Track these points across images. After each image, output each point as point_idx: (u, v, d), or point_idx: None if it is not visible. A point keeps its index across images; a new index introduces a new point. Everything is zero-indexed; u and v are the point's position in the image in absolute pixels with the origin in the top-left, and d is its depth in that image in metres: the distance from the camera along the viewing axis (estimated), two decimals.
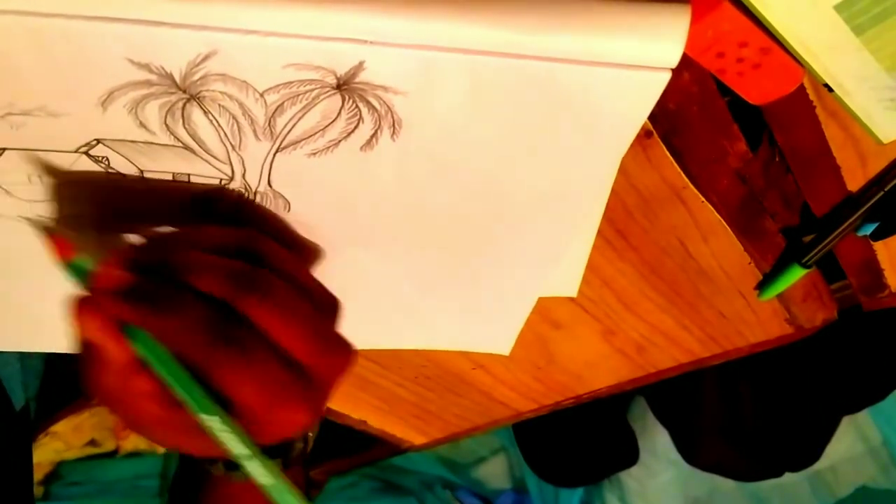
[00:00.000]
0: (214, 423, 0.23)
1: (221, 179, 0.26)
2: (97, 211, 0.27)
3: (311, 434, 0.30)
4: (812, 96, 0.30)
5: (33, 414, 0.43)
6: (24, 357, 0.42)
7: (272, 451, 0.28)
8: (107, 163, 0.25)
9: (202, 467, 0.30)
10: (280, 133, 0.24)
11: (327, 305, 0.26)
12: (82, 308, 0.23)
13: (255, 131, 0.24)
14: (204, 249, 0.24)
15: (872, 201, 0.35)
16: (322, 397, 0.24)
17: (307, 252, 0.30)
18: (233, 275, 0.23)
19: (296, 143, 0.25)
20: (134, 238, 0.28)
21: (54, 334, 0.33)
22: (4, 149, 0.24)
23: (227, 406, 0.23)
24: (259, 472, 0.24)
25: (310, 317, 0.24)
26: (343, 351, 0.25)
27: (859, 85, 0.27)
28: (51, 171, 0.25)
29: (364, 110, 0.23)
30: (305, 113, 0.23)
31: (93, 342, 0.23)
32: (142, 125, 0.23)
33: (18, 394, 0.40)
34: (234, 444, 0.23)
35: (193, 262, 0.23)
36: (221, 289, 0.23)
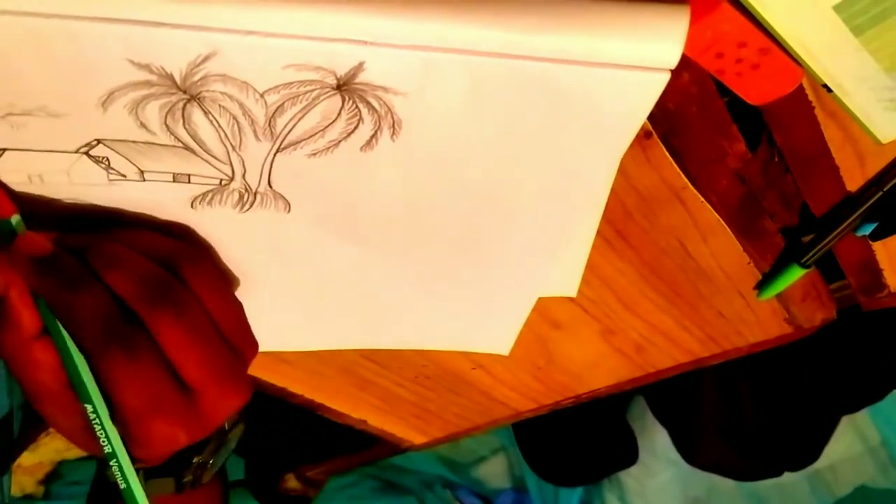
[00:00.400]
0: (89, 413, 0.23)
1: (222, 180, 0.26)
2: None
3: (210, 462, 0.30)
4: (811, 97, 0.30)
5: (20, 423, 0.43)
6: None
7: (163, 470, 0.28)
8: (107, 163, 0.25)
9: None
10: (280, 133, 0.24)
11: (240, 344, 0.26)
12: (1, 262, 0.24)
13: (255, 132, 0.24)
14: (134, 248, 0.25)
15: (871, 201, 0.35)
16: (203, 425, 0.25)
17: (233, 286, 0.30)
18: (146, 280, 0.24)
19: (296, 143, 0.25)
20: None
21: None
22: (5, 149, 0.24)
23: (111, 405, 0.23)
24: (118, 473, 0.24)
25: (213, 346, 0.24)
26: (238, 391, 0.25)
27: (858, 85, 0.27)
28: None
29: (364, 111, 0.24)
30: (305, 113, 0.23)
31: (2, 297, 0.24)
32: (142, 125, 0.23)
33: (3, 401, 0.40)
34: (104, 439, 0.24)
35: (114, 255, 0.24)
36: (130, 289, 0.23)
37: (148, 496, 0.25)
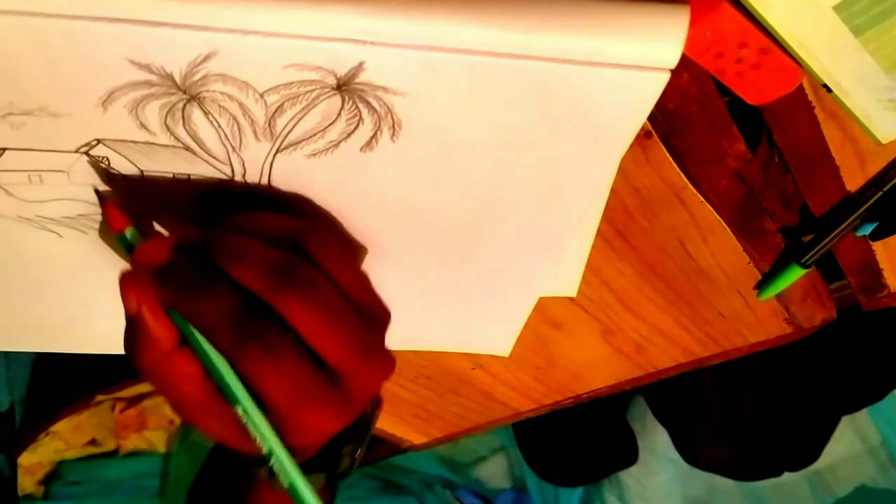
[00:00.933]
0: (241, 415, 0.23)
1: (222, 180, 0.26)
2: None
3: (359, 452, 0.29)
4: (811, 97, 0.30)
5: (20, 419, 0.43)
6: (10, 362, 0.42)
7: (317, 465, 0.27)
8: (107, 163, 0.25)
9: (245, 467, 0.29)
10: (280, 134, 0.24)
11: (375, 315, 0.25)
12: (125, 282, 0.23)
13: (255, 132, 0.24)
14: (252, 236, 0.24)
15: (871, 201, 0.35)
16: (354, 406, 0.24)
17: (359, 254, 0.29)
18: (271, 266, 0.23)
19: (296, 143, 0.25)
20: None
21: (52, 335, 0.33)
22: (5, 149, 0.24)
23: (260, 403, 0.23)
24: (280, 469, 0.23)
25: (349, 322, 0.23)
26: (382, 363, 0.24)
27: (858, 85, 0.27)
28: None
29: (364, 111, 0.24)
30: (305, 114, 0.23)
31: (136, 317, 0.23)
32: (142, 125, 0.23)
33: (4, 397, 0.40)
34: (260, 439, 0.23)
35: (234, 248, 0.23)
36: (257, 280, 0.22)
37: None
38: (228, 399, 0.23)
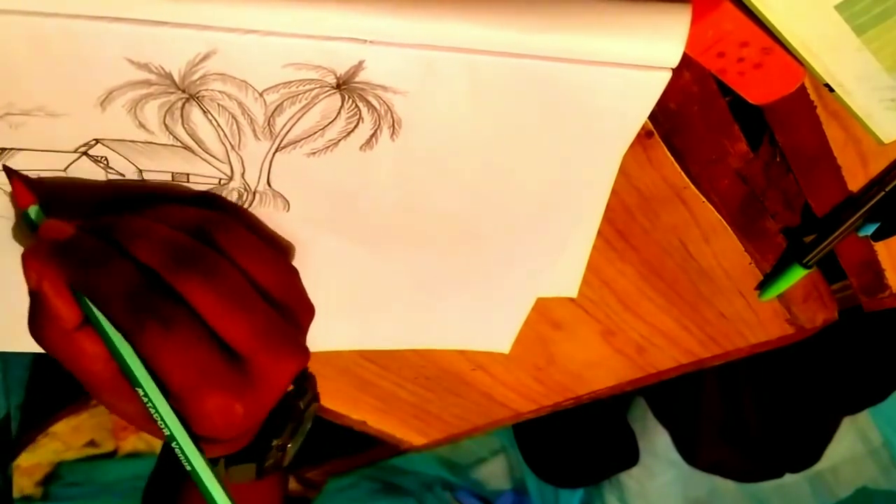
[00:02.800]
0: (142, 397, 0.22)
1: (221, 179, 0.26)
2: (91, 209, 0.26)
3: (289, 445, 0.29)
4: (813, 96, 0.30)
5: (18, 423, 0.42)
6: (7, 368, 0.41)
7: (245, 456, 0.27)
8: (106, 163, 0.25)
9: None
10: (279, 132, 0.24)
11: (291, 306, 0.25)
12: (26, 256, 0.23)
13: (254, 131, 0.24)
14: (161, 221, 0.23)
15: (873, 201, 0.35)
16: (260, 393, 0.23)
17: (286, 251, 0.29)
18: (173, 246, 0.22)
19: (295, 142, 0.25)
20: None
21: None
22: (3, 149, 0.24)
23: (162, 386, 0.22)
24: (181, 454, 0.23)
25: (255, 307, 0.23)
26: (293, 353, 0.24)
27: (860, 85, 0.27)
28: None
29: (364, 110, 0.23)
30: (305, 112, 0.23)
31: (37, 292, 0.23)
32: (141, 125, 0.23)
33: (0, 402, 0.40)
34: (161, 422, 0.23)
35: (137, 228, 0.23)
36: (157, 258, 0.22)
37: (231, 483, 0.24)
38: (130, 381, 0.22)
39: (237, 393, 0.23)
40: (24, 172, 0.25)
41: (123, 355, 0.22)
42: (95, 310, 0.22)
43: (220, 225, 0.24)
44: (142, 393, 0.22)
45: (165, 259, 0.22)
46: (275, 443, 0.28)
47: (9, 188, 0.25)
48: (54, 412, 0.76)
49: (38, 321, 0.23)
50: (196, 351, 0.22)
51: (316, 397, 0.31)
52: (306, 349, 0.24)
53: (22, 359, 0.44)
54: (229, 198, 0.27)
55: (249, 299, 0.23)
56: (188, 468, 0.23)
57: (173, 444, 0.23)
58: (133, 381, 0.22)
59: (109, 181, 0.25)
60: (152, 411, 0.23)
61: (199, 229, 0.24)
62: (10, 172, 0.24)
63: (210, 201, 0.26)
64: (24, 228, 0.24)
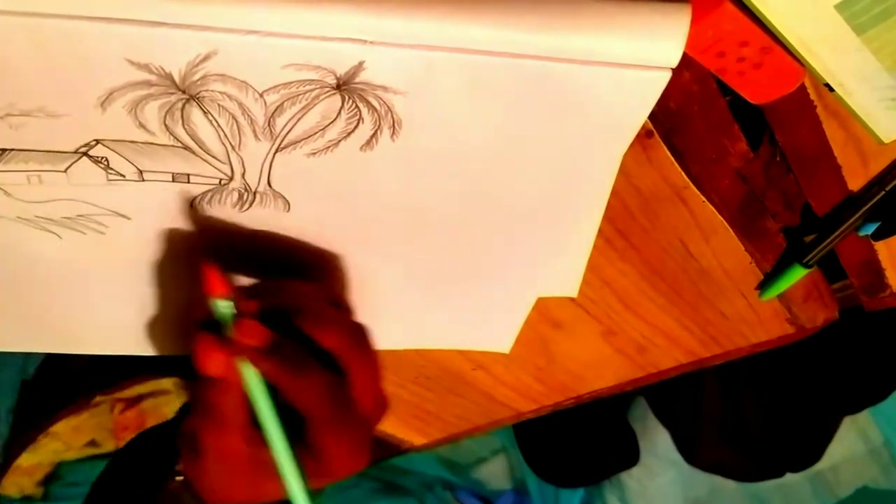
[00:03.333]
0: (282, 459, 0.25)
1: (221, 179, 0.26)
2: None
3: None
4: (813, 96, 0.30)
5: (9, 427, 0.43)
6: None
7: None
8: (106, 163, 0.25)
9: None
10: (280, 133, 0.24)
11: (377, 412, 0.28)
12: (213, 347, 0.25)
13: (254, 131, 0.24)
14: (320, 300, 0.27)
15: (874, 201, 0.35)
16: (319, 481, 0.26)
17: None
18: (350, 331, 0.26)
19: (295, 143, 0.25)
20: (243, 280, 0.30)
21: (51, 335, 0.33)
22: (4, 149, 0.24)
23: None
24: None
25: (376, 380, 0.27)
26: (362, 457, 0.27)
27: (860, 84, 0.27)
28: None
29: (364, 110, 0.23)
30: (305, 113, 0.23)
31: (212, 382, 0.25)
32: (141, 125, 0.23)
33: None
34: (292, 485, 0.25)
35: (317, 313, 0.26)
36: (342, 343, 0.26)
37: None
38: (271, 443, 0.25)
39: (365, 451, 0.27)
40: (25, 172, 0.25)
41: (274, 426, 0.25)
42: (262, 390, 0.25)
43: (359, 336, 0.27)
44: (286, 471, 0.25)
45: (346, 342, 0.26)
46: None
47: (8, 187, 0.25)
48: (55, 412, 0.76)
49: (203, 414, 0.25)
50: (358, 435, 0.27)
51: None
52: (370, 457, 0.28)
53: (15, 361, 0.44)
54: (230, 198, 0.27)
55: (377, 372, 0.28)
56: None
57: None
58: (277, 463, 0.25)
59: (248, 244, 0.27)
60: (288, 475, 0.25)
61: (337, 305, 0.28)
62: (205, 265, 0.25)
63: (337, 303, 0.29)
64: (218, 317, 0.25)
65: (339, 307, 0.28)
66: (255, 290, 0.27)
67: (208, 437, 0.25)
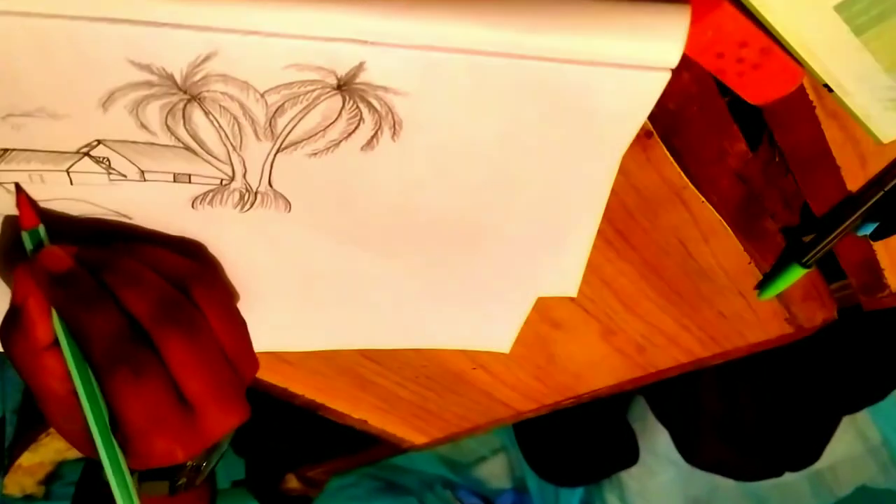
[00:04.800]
0: (89, 420, 0.24)
1: (222, 180, 0.26)
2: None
3: (203, 465, 0.30)
4: (812, 96, 0.30)
5: (14, 426, 0.43)
6: (2, 370, 0.41)
7: (158, 473, 0.29)
8: (107, 163, 0.25)
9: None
10: (281, 133, 0.24)
11: (243, 364, 0.27)
12: (21, 274, 0.25)
13: (255, 132, 0.24)
14: (149, 265, 0.25)
15: (872, 201, 0.35)
16: (200, 442, 0.25)
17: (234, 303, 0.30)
18: (162, 301, 0.24)
19: (296, 143, 0.25)
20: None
21: None
22: (5, 150, 0.24)
23: (113, 419, 0.24)
24: (113, 484, 0.25)
25: (216, 366, 0.25)
26: (237, 410, 0.26)
27: (859, 85, 0.27)
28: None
29: (365, 111, 0.24)
30: (306, 113, 0.23)
31: (20, 307, 0.24)
32: (142, 126, 0.23)
33: None
34: (100, 447, 0.24)
35: (130, 273, 0.25)
36: (144, 308, 0.24)
37: (141, 498, 0.25)
38: (82, 406, 0.24)
39: (182, 439, 0.25)
40: (27, 172, 0.25)
41: (83, 384, 0.24)
42: (68, 341, 0.24)
43: (201, 279, 0.26)
44: (91, 421, 0.24)
45: (152, 310, 0.24)
46: (189, 464, 0.29)
47: (10, 186, 0.25)
48: (40, 423, 0.76)
49: (10, 330, 0.25)
50: (157, 400, 0.24)
51: None
52: (248, 405, 0.27)
53: None
54: (231, 198, 0.27)
55: (214, 357, 0.25)
56: (118, 498, 0.25)
57: (107, 472, 0.25)
58: (84, 408, 0.24)
59: (103, 219, 0.27)
60: (96, 440, 0.24)
61: (181, 278, 0.26)
62: (19, 190, 0.25)
63: (195, 251, 0.28)
64: (28, 246, 0.25)
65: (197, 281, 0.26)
66: (102, 247, 0.26)
67: (25, 367, 0.25)
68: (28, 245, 0.25)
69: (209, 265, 0.29)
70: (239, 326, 0.27)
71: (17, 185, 0.25)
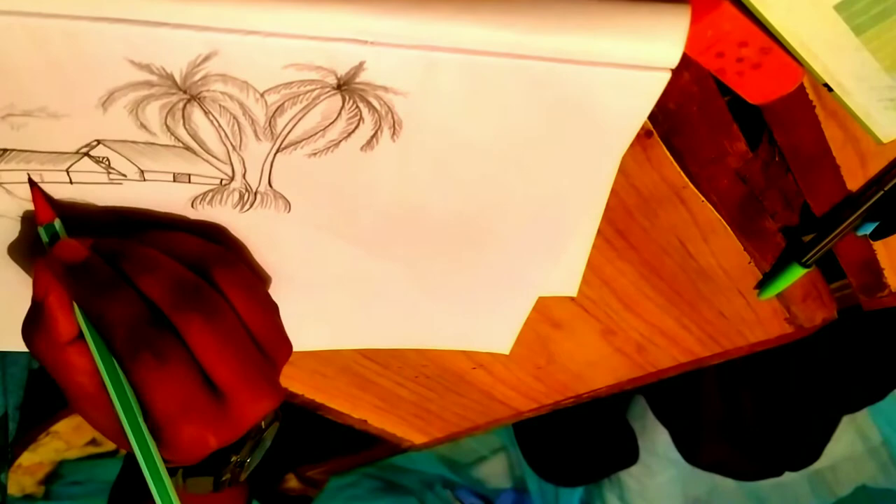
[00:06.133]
0: (118, 412, 0.24)
1: (222, 180, 0.26)
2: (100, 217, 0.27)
3: (248, 461, 0.30)
4: (812, 96, 0.30)
5: (16, 424, 0.43)
6: (5, 366, 0.41)
7: (203, 469, 0.28)
8: (107, 163, 0.25)
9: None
10: (280, 133, 0.24)
11: (273, 347, 0.26)
12: (40, 267, 0.24)
13: (255, 131, 0.24)
14: (167, 251, 0.25)
15: (872, 201, 0.35)
16: (233, 428, 0.25)
17: (266, 284, 0.30)
18: (179, 284, 0.24)
19: (296, 143, 0.25)
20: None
21: None
22: (5, 149, 0.24)
23: (143, 409, 0.24)
24: (148, 477, 0.24)
25: (243, 349, 0.24)
26: (270, 394, 0.25)
27: (859, 84, 0.27)
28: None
29: (364, 111, 0.24)
30: (306, 113, 0.23)
31: (41, 302, 0.24)
32: (142, 126, 0.23)
33: None
34: (132, 440, 0.24)
35: (146, 260, 0.24)
36: (161, 294, 0.24)
37: (187, 494, 0.25)
38: (112, 400, 0.24)
39: (213, 427, 0.24)
40: (27, 171, 0.25)
41: (110, 376, 0.24)
42: (92, 333, 0.24)
43: (221, 261, 0.25)
44: (121, 413, 0.24)
45: (170, 296, 0.24)
46: (234, 458, 0.29)
47: (10, 186, 0.25)
48: (56, 411, 0.76)
49: (34, 328, 0.25)
50: (183, 386, 0.23)
51: (278, 417, 0.32)
52: (282, 389, 0.26)
53: (21, 359, 0.44)
54: (231, 198, 0.27)
55: (240, 340, 0.24)
56: (153, 490, 0.24)
57: (142, 466, 0.24)
58: (114, 401, 0.24)
59: (120, 209, 0.26)
60: (128, 432, 0.24)
61: (200, 262, 0.25)
62: (32, 185, 0.25)
63: (216, 235, 0.27)
64: (43, 241, 0.25)
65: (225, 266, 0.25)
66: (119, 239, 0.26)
67: (51, 364, 0.24)
68: (45, 239, 0.25)
69: (231, 247, 0.28)
70: (267, 308, 0.26)
71: (31, 180, 0.25)
